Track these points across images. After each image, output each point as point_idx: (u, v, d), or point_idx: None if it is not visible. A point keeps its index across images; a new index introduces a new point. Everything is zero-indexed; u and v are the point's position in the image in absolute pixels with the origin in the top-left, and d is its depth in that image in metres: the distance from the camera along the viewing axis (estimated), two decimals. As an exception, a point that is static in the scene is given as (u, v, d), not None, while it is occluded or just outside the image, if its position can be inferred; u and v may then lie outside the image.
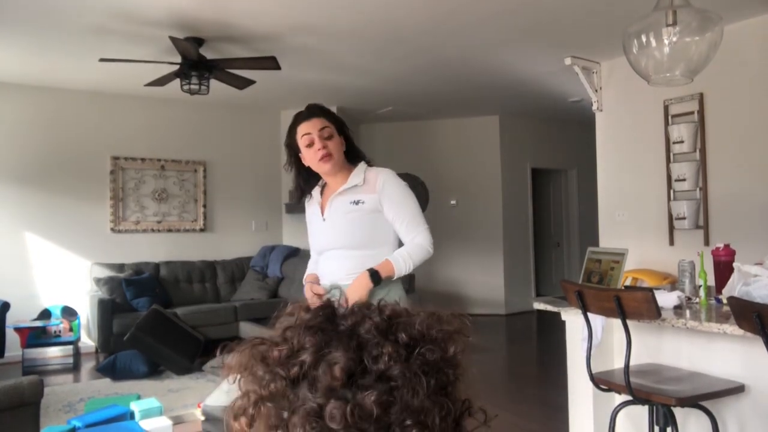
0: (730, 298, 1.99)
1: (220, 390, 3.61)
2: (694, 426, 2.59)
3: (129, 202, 6.69)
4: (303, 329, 0.59)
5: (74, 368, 5.63)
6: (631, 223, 5.38)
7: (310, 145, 2.23)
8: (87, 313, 6.15)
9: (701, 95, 4.81)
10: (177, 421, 3.89)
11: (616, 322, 2.63)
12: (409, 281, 6.09)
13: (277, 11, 4.25)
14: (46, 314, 5.85)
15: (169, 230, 6.92)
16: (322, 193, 2.36)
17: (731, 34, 3.80)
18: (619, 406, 2.51)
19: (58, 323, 5.74)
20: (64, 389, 4.86)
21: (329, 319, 0.60)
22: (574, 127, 8.81)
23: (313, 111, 2.27)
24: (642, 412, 2.65)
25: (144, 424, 3.64)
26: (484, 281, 8.34)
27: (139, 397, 4.37)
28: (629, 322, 2.29)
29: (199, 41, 4.74)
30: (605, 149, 5.67)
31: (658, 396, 2.21)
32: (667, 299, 2.46)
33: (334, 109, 2.39)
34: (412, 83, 6.40)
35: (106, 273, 6.20)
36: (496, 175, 8.38)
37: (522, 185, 8.64)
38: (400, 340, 0.58)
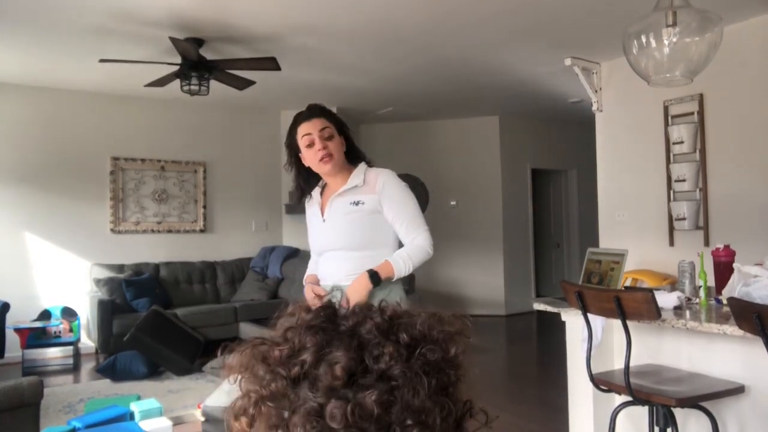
0: (730, 299, 1.99)
1: (220, 391, 3.61)
2: (694, 427, 2.59)
3: (129, 202, 6.69)
4: (304, 329, 0.59)
5: (74, 369, 5.63)
6: (631, 223, 5.38)
7: (311, 145, 2.22)
8: (87, 314, 6.15)
9: (701, 96, 4.81)
10: (177, 421, 3.89)
11: (616, 323, 2.63)
12: (409, 282, 6.09)
13: (277, 11, 4.25)
14: (46, 315, 5.85)
15: (169, 231, 6.92)
16: (322, 193, 2.36)
17: (731, 34, 3.80)
18: (619, 406, 2.51)
19: (58, 324, 5.73)
20: (64, 390, 4.85)
21: (330, 320, 0.60)
22: (574, 128, 8.81)
23: (314, 111, 2.26)
24: (642, 412, 2.65)
25: (144, 424, 3.64)
26: (484, 282, 8.34)
27: (139, 398, 4.37)
28: (629, 323, 2.29)
29: (199, 42, 4.74)
30: (605, 150, 5.67)
31: (658, 397, 2.21)
32: (667, 300, 2.46)
33: (334, 109, 2.39)
34: (412, 83, 6.40)
35: (106, 274, 6.20)
36: (496, 175, 8.38)
37: (522, 185, 8.64)
38: (401, 341, 0.58)
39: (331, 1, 4.08)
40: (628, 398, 2.33)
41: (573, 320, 2.92)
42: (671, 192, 5.03)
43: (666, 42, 2.53)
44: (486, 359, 5.69)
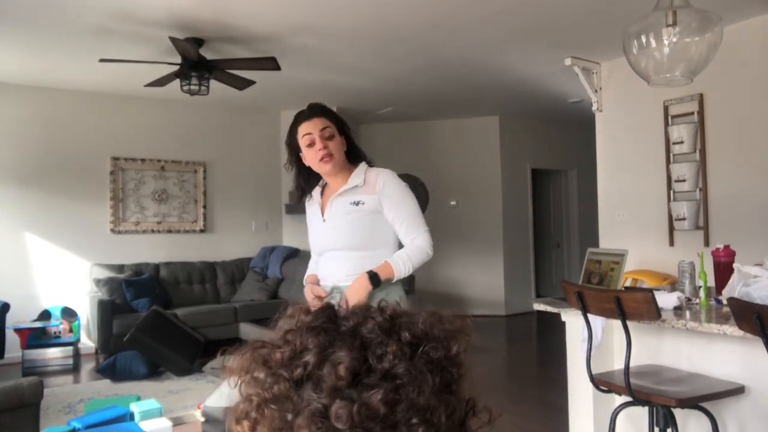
0: (730, 299, 1.98)
1: (220, 391, 3.61)
2: (694, 427, 2.59)
3: (129, 202, 6.69)
4: (305, 331, 0.59)
5: (74, 369, 5.63)
6: (631, 223, 5.38)
7: (311, 145, 2.22)
8: (87, 314, 6.15)
9: (701, 96, 4.81)
10: (177, 422, 3.89)
11: (616, 323, 2.63)
12: (409, 282, 6.09)
13: (277, 11, 4.25)
14: (45, 315, 5.85)
15: (169, 231, 6.92)
16: (322, 193, 2.36)
17: (731, 34, 3.80)
18: (619, 407, 2.51)
19: (58, 324, 5.73)
20: (64, 390, 4.85)
21: (331, 320, 0.60)
22: (574, 128, 8.81)
23: (315, 111, 2.26)
24: (642, 413, 2.65)
25: (144, 425, 3.64)
26: (484, 282, 8.34)
27: (139, 399, 4.37)
28: (629, 323, 2.29)
29: (199, 42, 4.74)
30: (605, 150, 5.67)
31: (658, 397, 2.21)
32: (667, 300, 2.46)
33: (334, 109, 2.38)
34: (412, 83, 6.40)
35: (106, 274, 6.20)
36: (496, 175, 8.38)
37: (522, 185, 8.64)
38: (403, 339, 0.57)
39: (331, 1, 4.08)
40: (628, 399, 2.33)
41: (573, 320, 2.92)
42: (671, 192, 5.03)
43: (666, 42, 2.53)
44: (486, 359, 5.69)
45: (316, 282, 2.32)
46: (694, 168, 4.85)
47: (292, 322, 0.61)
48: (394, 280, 2.18)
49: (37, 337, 5.62)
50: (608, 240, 5.58)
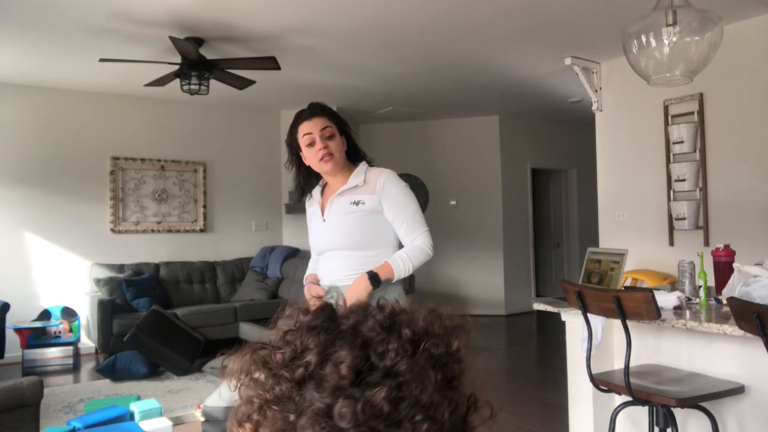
0: (730, 299, 1.98)
1: (220, 391, 3.61)
2: (694, 427, 2.59)
3: (129, 202, 6.69)
4: (305, 331, 0.58)
5: (74, 369, 5.63)
6: (631, 223, 5.38)
7: (311, 144, 2.22)
8: (87, 314, 6.15)
9: (701, 95, 4.81)
10: (177, 422, 3.89)
11: (616, 323, 2.63)
12: (409, 282, 6.09)
13: (277, 11, 4.25)
14: (46, 315, 5.85)
15: (169, 231, 6.92)
16: (322, 193, 2.36)
17: (731, 34, 3.80)
18: (619, 406, 2.51)
19: (58, 324, 5.73)
20: (63, 390, 4.85)
21: (330, 319, 0.60)
22: (574, 128, 8.81)
23: (315, 110, 2.26)
24: (642, 412, 2.65)
25: (144, 425, 3.64)
26: (484, 282, 8.34)
27: (139, 398, 4.37)
28: (629, 323, 2.29)
29: (199, 41, 4.74)
30: (605, 149, 5.67)
31: (658, 397, 2.21)
32: (666, 300, 2.46)
33: (334, 108, 2.38)
34: (412, 83, 6.40)
35: (106, 273, 6.20)
36: (496, 175, 8.38)
37: (522, 185, 8.64)
38: (404, 336, 0.57)
39: (331, 1, 4.08)
40: (628, 398, 2.33)
41: (573, 320, 2.92)
42: (671, 192, 5.03)
43: (666, 41, 2.53)
44: (486, 359, 5.69)
45: (316, 281, 2.32)
46: (694, 167, 4.85)
47: (290, 322, 0.61)
48: (394, 280, 2.18)
49: (37, 336, 5.62)
50: (608, 239, 5.58)
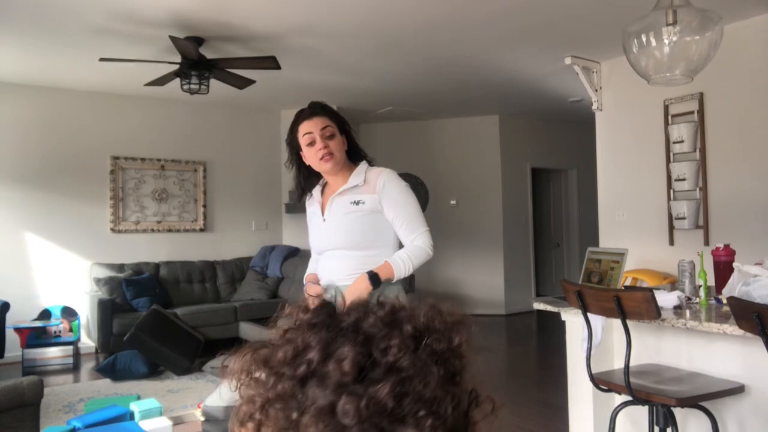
0: (730, 299, 1.98)
1: (220, 391, 3.61)
2: (694, 426, 2.59)
3: (129, 202, 6.69)
4: (305, 328, 0.58)
5: (74, 368, 5.63)
6: (631, 223, 5.38)
7: (312, 144, 2.22)
8: (87, 314, 6.15)
9: (701, 95, 4.81)
10: (177, 421, 3.89)
11: (616, 323, 2.63)
12: (409, 282, 6.09)
13: (277, 11, 4.25)
14: (46, 314, 5.85)
15: (169, 230, 6.92)
16: (323, 192, 2.36)
17: (731, 33, 3.80)
18: (619, 406, 2.51)
19: (58, 323, 5.73)
20: (64, 389, 4.85)
21: (331, 317, 0.59)
22: (574, 127, 8.81)
23: (316, 110, 2.26)
24: (642, 412, 2.65)
25: (144, 424, 3.64)
26: (484, 281, 8.34)
27: (139, 398, 4.37)
28: (629, 323, 2.29)
29: (199, 41, 4.74)
30: (605, 149, 5.67)
31: (658, 396, 2.21)
32: (666, 299, 2.46)
33: (334, 108, 2.38)
34: (412, 83, 6.40)
35: (106, 273, 6.20)
36: (496, 175, 8.38)
37: (522, 185, 8.64)
38: (406, 332, 0.57)
39: (331, 1, 4.08)
40: (628, 398, 2.33)
41: (573, 320, 2.92)
42: (671, 191, 5.03)
43: (666, 41, 2.53)
44: (486, 359, 5.68)
45: (316, 281, 2.32)
46: (694, 167, 4.85)
47: (290, 321, 0.61)
48: (394, 280, 2.18)
49: (37, 336, 5.62)
50: (608, 239, 5.58)
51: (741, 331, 1.97)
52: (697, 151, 4.86)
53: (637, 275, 4.58)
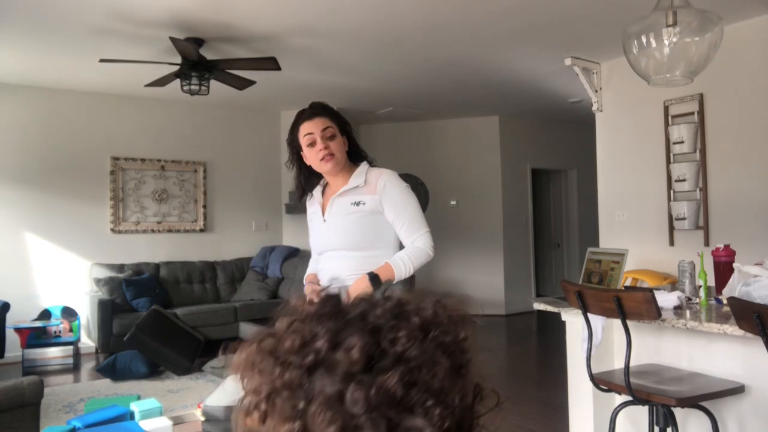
0: (730, 299, 1.99)
1: (220, 391, 3.61)
2: (694, 426, 2.59)
3: (129, 202, 6.69)
4: (313, 318, 0.58)
5: (74, 368, 5.63)
6: (631, 223, 5.38)
7: (312, 144, 2.22)
8: (87, 314, 6.15)
9: (701, 96, 4.81)
10: (177, 421, 3.89)
11: (616, 323, 2.63)
12: (409, 282, 6.08)
13: (277, 12, 4.25)
14: (46, 315, 5.85)
15: (169, 231, 6.92)
16: (323, 192, 2.36)
17: (731, 34, 3.80)
18: (619, 406, 2.51)
19: (58, 324, 5.74)
20: (64, 389, 4.85)
21: (337, 308, 0.59)
22: (574, 128, 8.81)
23: (317, 110, 2.26)
24: (642, 412, 2.65)
25: (144, 424, 3.64)
26: (484, 282, 8.34)
27: (139, 398, 4.37)
28: (629, 323, 2.29)
29: (199, 42, 4.74)
30: (605, 150, 5.67)
31: (659, 396, 2.21)
32: (667, 300, 2.46)
33: (334, 109, 2.38)
34: (412, 83, 6.40)
35: (106, 273, 6.20)
36: (496, 175, 8.38)
37: (522, 185, 8.64)
38: (413, 324, 0.57)
39: (331, 2, 4.08)
40: (629, 398, 2.33)
41: (573, 320, 2.92)
42: (671, 192, 5.03)
43: (666, 42, 2.53)
44: (486, 359, 5.68)
45: (316, 281, 2.32)
46: (694, 168, 4.85)
47: (296, 312, 0.61)
48: (395, 281, 2.18)
49: (37, 336, 5.62)
50: (608, 240, 5.58)
51: (741, 332, 1.98)
52: (697, 151, 4.86)
53: (638, 276, 4.58)
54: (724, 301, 2.41)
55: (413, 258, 2.18)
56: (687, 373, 2.54)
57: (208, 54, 4.92)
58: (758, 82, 4.48)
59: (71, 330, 5.78)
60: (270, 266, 7.07)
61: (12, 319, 5.48)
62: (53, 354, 5.66)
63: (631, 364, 2.30)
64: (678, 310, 2.45)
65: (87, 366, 5.75)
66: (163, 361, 5.24)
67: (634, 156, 5.36)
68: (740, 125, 4.61)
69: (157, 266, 6.59)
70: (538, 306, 3.02)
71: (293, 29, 4.62)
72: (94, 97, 6.48)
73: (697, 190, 4.85)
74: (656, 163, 5.16)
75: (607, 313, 2.37)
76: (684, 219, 4.84)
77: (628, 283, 4.42)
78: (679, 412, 2.41)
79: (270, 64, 4.74)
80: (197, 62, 4.71)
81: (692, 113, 4.89)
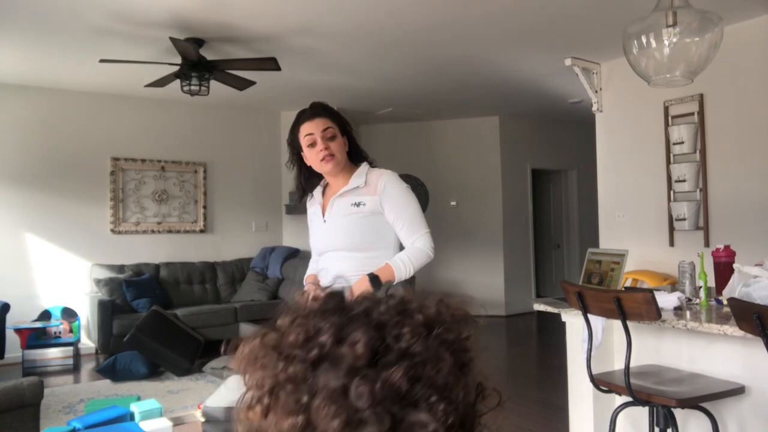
0: (731, 300, 1.98)
1: (221, 391, 3.61)
2: (694, 427, 2.59)
3: (129, 203, 6.69)
4: (317, 314, 0.58)
5: (74, 369, 5.63)
6: (631, 224, 5.38)
7: (313, 145, 2.22)
8: (87, 314, 6.15)
9: (701, 96, 4.81)
10: (177, 422, 3.89)
11: (617, 324, 2.63)
12: (409, 283, 6.07)
13: (277, 12, 4.25)
14: (46, 315, 5.85)
15: (169, 231, 6.92)
16: (323, 193, 2.36)
17: (731, 34, 3.80)
18: (619, 407, 2.51)
19: (58, 324, 5.73)
20: (64, 390, 4.85)
21: (341, 304, 0.60)
22: (574, 128, 8.81)
23: (317, 110, 2.25)
24: (642, 413, 2.65)
25: (144, 425, 3.64)
26: (484, 282, 8.34)
27: (139, 399, 4.37)
28: (629, 324, 2.29)
29: (199, 42, 4.74)
30: (605, 150, 5.67)
31: (659, 397, 2.21)
32: (667, 300, 2.46)
33: (335, 109, 2.38)
34: (412, 84, 6.40)
35: (106, 274, 6.20)
36: (496, 175, 8.38)
37: (522, 186, 8.64)
38: (417, 320, 0.57)
39: (331, 1, 4.08)
40: (629, 399, 2.33)
41: (573, 321, 2.92)
42: (671, 192, 5.03)
43: (666, 42, 2.53)
44: (486, 359, 5.68)
45: (316, 281, 2.32)
46: (694, 168, 4.85)
47: (299, 308, 0.61)
48: (395, 283, 2.18)
49: (37, 337, 5.62)
50: (608, 240, 5.58)
51: (741, 332, 1.98)
52: (697, 152, 4.86)
53: (638, 276, 4.58)
54: (724, 302, 2.41)
55: (413, 259, 2.18)
56: (687, 373, 2.54)
57: (208, 54, 4.92)
58: (758, 82, 4.48)
59: (71, 331, 5.78)
60: (270, 267, 7.07)
61: (12, 319, 5.48)
62: (53, 355, 5.66)
63: (632, 364, 2.30)
64: (678, 310, 2.45)
65: (87, 367, 5.75)
66: (163, 361, 5.24)
67: (634, 156, 5.36)
68: (740, 125, 4.61)
69: (157, 267, 6.59)
70: (538, 307, 3.02)
71: (293, 29, 4.62)
72: (94, 97, 6.48)
73: (697, 190, 4.85)
74: (656, 164, 5.16)
75: (608, 314, 2.37)
76: (684, 219, 4.84)
77: (628, 283, 4.42)
78: (679, 413, 2.41)
79: (270, 64, 4.74)
80: (197, 62, 4.71)
81: (692, 114, 4.89)
